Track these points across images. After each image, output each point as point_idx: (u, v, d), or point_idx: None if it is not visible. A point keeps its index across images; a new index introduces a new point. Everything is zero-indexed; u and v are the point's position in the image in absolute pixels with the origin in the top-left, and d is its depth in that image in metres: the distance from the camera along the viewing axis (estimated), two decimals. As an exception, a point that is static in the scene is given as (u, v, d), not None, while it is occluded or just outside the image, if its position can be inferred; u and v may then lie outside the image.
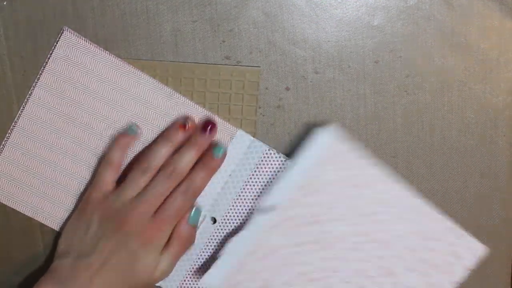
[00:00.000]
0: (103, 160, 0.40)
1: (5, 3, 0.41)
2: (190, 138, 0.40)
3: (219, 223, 0.43)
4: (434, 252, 0.41)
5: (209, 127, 0.40)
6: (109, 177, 0.39)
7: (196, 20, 0.41)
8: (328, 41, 0.41)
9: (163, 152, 0.38)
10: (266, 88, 0.42)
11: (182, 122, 0.40)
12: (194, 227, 0.41)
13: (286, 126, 0.42)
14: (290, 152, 0.43)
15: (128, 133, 0.40)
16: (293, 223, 0.40)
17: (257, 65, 0.42)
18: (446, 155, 0.43)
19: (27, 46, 0.42)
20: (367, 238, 0.41)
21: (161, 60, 0.42)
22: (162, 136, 0.40)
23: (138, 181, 0.38)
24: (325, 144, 0.39)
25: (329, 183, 0.40)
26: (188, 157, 0.38)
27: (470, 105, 0.42)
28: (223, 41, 0.41)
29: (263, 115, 0.42)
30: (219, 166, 0.40)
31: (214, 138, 0.41)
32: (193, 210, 0.40)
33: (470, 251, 0.41)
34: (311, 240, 0.41)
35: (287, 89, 0.42)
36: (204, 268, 0.43)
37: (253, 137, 0.42)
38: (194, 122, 0.40)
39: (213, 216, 0.43)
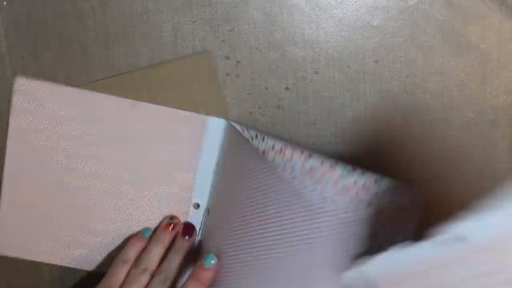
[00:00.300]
0: (118, 257, 0.42)
1: (5, 3, 0.41)
2: (175, 241, 0.42)
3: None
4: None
5: (188, 231, 0.42)
6: (122, 274, 0.41)
7: (196, 20, 0.41)
8: (328, 41, 0.41)
9: (156, 253, 0.42)
10: (266, 88, 0.42)
11: (168, 222, 0.43)
12: None
13: (286, 126, 0.42)
14: (290, 152, 0.43)
15: (143, 235, 0.43)
16: None
17: (206, 50, 0.41)
18: (446, 155, 0.43)
19: (27, 46, 0.42)
20: None
21: (114, 75, 0.42)
22: (153, 238, 0.43)
23: (140, 281, 0.41)
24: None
25: None
26: (175, 263, 0.41)
27: (470, 105, 0.42)
28: (223, 41, 0.41)
29: (263, 115, 0.42)
30: (212, 276, 0.41)
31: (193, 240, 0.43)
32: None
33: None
34: None
35: (287, 89, 0.42)
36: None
37: (227, 119, 0.42)
38: (179, 219, 0.43)
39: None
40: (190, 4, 0.41)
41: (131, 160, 0.43)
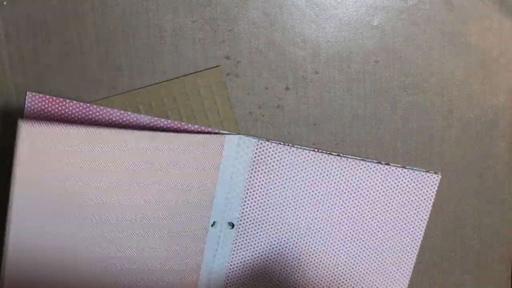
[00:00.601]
0: None
1: (5, 3, 0.41)
2: None
3: (237, 226, 0.43)
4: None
5: None
6: None
7: (196, 20, 0.41)
8: (328, 41, 0.41)
9: None
10: (266, 88, 0.42)
11: None
12: None
13: (286, 126, 0.42)
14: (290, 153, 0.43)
15: None
16: None
17: (217, 64, 0.41)
18: (446, 155, 0.43)
19: (27, 46, 0.42)
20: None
21: (124, 92, 0.42)
22: None
23: None
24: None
25: None
26: None
27: (470, 105, 0.42)
28: (223, 41, 0.41)
29: (263, 115, 0.42)
30: None
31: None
32: None
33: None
34: None
35: (287, 89, 0.42)
36: (238, 273, 0.43)
37: (238, 134, 0.42)
38: None
39: (230, 221, 0.43)
40: (190, 4, 0.41)
41: (152, 192, 0.41)
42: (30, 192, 0.38)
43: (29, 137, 0.37)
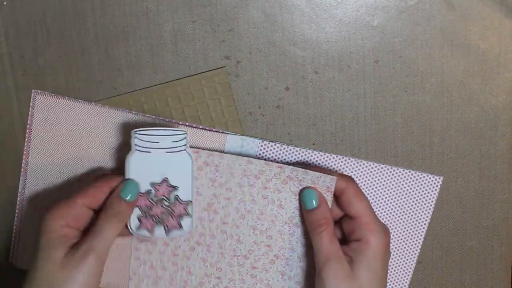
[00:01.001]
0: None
1: (5, 3, 0.41)
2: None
3: None
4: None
5: None
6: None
7: (196, 20, 0.41)
8: (328, 41, 0.41)
9: None
10: (266, 88, 0.42)
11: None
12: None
13: (286, 126, 0.42)
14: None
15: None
16: None
17: (222, 66, 0.41)
18: (446, 155, 0.43)
19: (27, 46, 0.42)
20: None
21: (128, 92, 0.42)
22: None
23: None
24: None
25: None
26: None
27: (470, 105, 0.42)
28: (223, 41, 0.41)
29: (263, 115, 0.42)
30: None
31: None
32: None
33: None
34: None
35: (287, 89, 0.42)
36: None
37: (242, 135, 0.42)
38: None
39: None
40: (190, 4, 0.41)
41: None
42: (44, 155, 0.42)
43: (43, 105, 0.42)
